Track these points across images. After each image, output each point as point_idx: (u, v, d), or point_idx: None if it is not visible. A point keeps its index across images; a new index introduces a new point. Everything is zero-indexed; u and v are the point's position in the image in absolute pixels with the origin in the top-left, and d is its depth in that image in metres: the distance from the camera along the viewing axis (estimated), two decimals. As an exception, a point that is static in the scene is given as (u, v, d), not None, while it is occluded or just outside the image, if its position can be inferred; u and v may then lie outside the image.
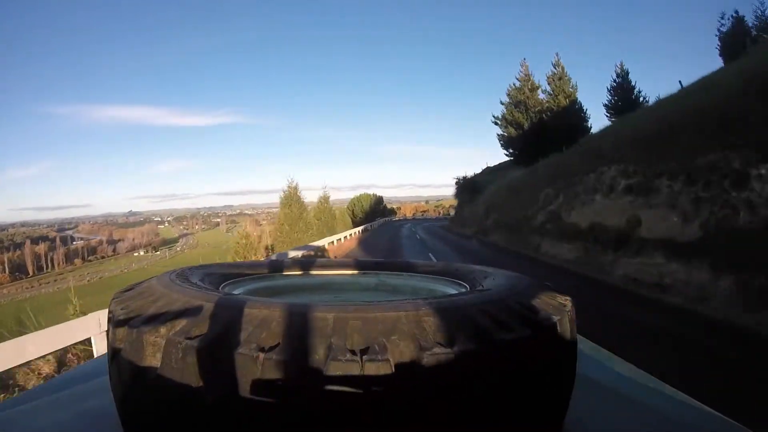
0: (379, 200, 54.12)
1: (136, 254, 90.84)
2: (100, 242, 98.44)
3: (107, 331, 0.48)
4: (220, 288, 0.61)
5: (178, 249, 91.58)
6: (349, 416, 0.34)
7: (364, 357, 0.34)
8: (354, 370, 0.34)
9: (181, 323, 0.40)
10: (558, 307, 0.47)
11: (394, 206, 72.57)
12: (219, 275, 0.67)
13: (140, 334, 0.41)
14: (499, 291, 0.49)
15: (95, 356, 2.55)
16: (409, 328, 0.37)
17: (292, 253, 11.22)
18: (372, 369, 0.34)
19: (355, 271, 0.82)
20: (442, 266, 0.77)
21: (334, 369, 0.34)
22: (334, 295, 0.76)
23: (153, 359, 0.39)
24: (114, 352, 0.44)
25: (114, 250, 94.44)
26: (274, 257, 10.18)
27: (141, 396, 0.41)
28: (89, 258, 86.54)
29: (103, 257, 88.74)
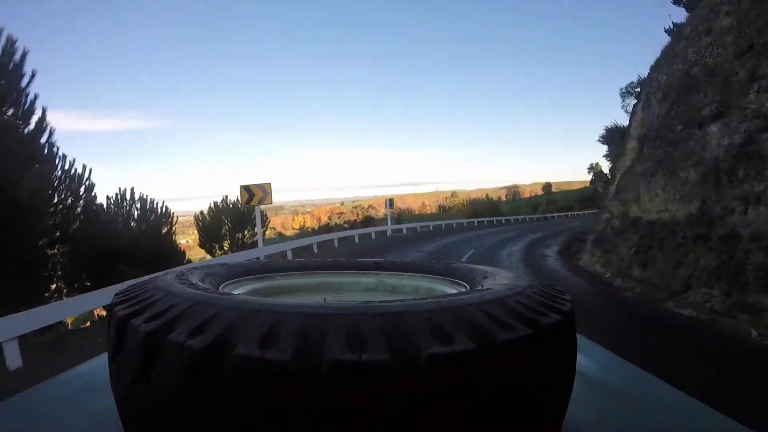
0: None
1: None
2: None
3: (107, 331, 0.48)
4: (219, 288, 0.62)
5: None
6: (349, 416, 0.35)
7: (364, 357, 0.35)
8: (354, 370, 0.34)
9: (180, 323, 0.40)
10: (558, 307, 0.47)
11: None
12: (219, 275, 0.68)
13: (140, 333, 0.41)
14: (498, 290, 0.49)
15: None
16: (409, 327, 0.38)
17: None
18: (371, 369, 0.34)
19: (355, 271, 0.83)
20: (442, 266, 0.78)
21: (334, 369, 0.34)
22: (334, 296, 0.76)
23: (153, 359, 0.40)
24: (114, 352, 0.45)
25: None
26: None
27: (141, 396, 0.41)
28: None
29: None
